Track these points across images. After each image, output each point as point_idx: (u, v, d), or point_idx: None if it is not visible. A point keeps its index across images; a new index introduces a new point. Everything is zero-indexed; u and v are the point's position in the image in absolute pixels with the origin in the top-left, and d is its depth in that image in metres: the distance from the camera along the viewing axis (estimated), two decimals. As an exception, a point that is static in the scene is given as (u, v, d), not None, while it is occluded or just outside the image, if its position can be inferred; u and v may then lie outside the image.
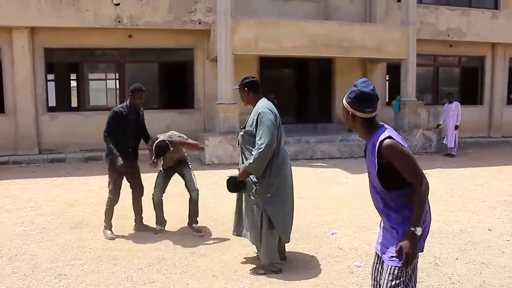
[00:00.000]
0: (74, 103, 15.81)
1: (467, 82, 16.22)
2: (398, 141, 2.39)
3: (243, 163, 4.14)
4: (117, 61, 12.73)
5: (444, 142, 12.33)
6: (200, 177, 8.72)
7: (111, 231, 5.29)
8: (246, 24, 11.29)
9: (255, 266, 4.19)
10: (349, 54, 12.27)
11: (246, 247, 4.63)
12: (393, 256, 2.42)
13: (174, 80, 14.20)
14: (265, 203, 4.01)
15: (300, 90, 14.33)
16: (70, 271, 4.14)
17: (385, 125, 2.51)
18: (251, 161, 3.92)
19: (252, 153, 3.94)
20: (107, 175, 5.44)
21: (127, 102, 5.34)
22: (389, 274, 2.43)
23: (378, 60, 13.70)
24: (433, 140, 12.81)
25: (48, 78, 12.66)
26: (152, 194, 5.58)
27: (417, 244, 2.35)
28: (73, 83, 16.56)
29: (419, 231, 2.32)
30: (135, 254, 4.62)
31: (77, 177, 9.14)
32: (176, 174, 5.67)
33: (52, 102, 13.88)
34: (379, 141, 2.39)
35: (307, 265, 4.31)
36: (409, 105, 12.83)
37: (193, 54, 12.87)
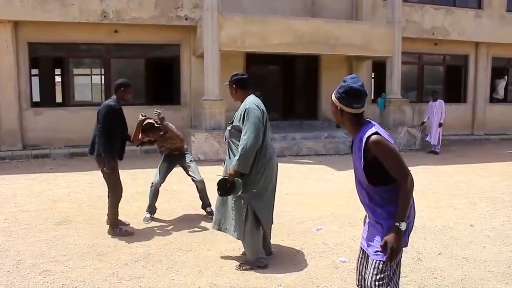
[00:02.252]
0: (59, 99, 15.63)
1: (451, 80, 16.45)
2: (385, 138, 2.44)
3: (229, 157, 4.16)
4: (103, 57, 12.62)
5: (427, 140, 12.49)
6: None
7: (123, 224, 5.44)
8: (233, 20, 11.28)
9: (241, 261, 4.21)
10: (336, 51, 12.33)
11: (232, 243, 4.65)
12: (378, 251, 2.46)
13: (160, 76, 14.13)
14: (251, 198, 4.02)
15: (286, 87, 14.38)
16: (54, 267, 4.12)
17: (372, 122, 2.56)
18: (238, 158, 3.93)
19: (238, 149, 3.96)
20: (105, 172, 5.06)
21: (115, 97, 5.15)
22: (374, 268, 2.48)
23: (364, 57, 13.80)
24: (418, 138, 12.97)
25: (32, 73, 12.50)
26: (152, 182, 5.76)
27: (402, 239, 2.39)
28: (58, 78, 16.37)
29: (403, 226, 2.37)
30: (120, 250, 4.60)
31: (62, 173, 9.06)
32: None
33: (37, 97, 13.71)
34: (366, 137, 2.43)
35: (293, 261, 4.35)
36: (394, 103, 12.97)
37: (179, 50, 12.82)
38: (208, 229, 5.32)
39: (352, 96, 2.48)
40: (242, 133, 3.98)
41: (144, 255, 4.44)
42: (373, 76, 15.77)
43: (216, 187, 4.06)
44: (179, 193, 7.22)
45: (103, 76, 12.97)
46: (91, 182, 8.12)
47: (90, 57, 13.84)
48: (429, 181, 8.25)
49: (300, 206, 6.39)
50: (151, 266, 4.17)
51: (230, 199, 4.15)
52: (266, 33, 11.45)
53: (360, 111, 2.52)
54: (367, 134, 2.43)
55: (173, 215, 5.97)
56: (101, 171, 5.09)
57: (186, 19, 12.15)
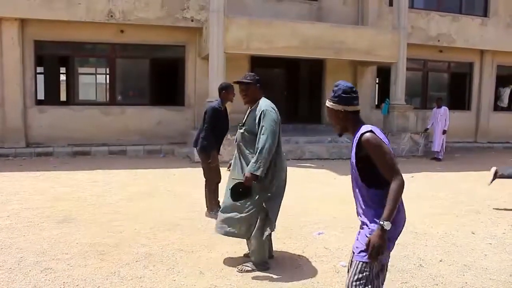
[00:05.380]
0: (63, 97, 15.69)
1: (456, 88, 16.44)
2: (379, 137, 2.46)
3: (240, 161, 4.13)
4: (108, 56, 12.67)
5: (432, 150, 12.48)
6: (189, 174, 8.77)
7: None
8: (238, 23, 11.31)
9: (243, 263, 4.21)
10: (340, 56, 12.35)
11: (234, 245, 4.66)
12: (361, 251, 2.48)
13: (165, 77, 14.17)
14: (266, 200, 4.01)
15: (290, 91, 14.39)
16: (56, 265, 4.12)
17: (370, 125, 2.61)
18: (256, 161, 3.88)
19: (255, 152, 3.93)
20: (206, 163, 5.85)
21: (220, 99, 5.79)
22: (355, 267, 2.51)
23: (369, 63, 13.82)
24: (421, 144, 12.94)
25: (38, 71, 12.54)
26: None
27: (385, 238, 2.38)
28: (63, 77, 16.42)
29: (387, 225, 2.36)
30: (122, 249, 4.61)
31: (65, 171, 9.08)
32: None
33: (41, 95, 13.76)
34: (360, 134, 2.49)
35: (294, 264, 4.35)
36: (398, 109, 12.96)
37: (184, 51, 12.86)
38: (210, 231, 5.33)
39: (350, 94, 2.60)
40: (259, 136, 3.96)
41: (146, 255, 4.45)
42: (377, 81, 15.77)
43: (229, 192, 3.96)
44: (182, 194, 7.22)
45: (107, 76, 13.02)
46: (94, 180, 8.14)
47: (96, 56, 13.91)
48: (431, 188, 8.24)
49: (302, 210, 6.38)
50: (152, 266, 4.18)
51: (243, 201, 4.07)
52: (272, 37, 11.46)
53: (359, 108, 2.64)
54: (361, 131, 2.50)
55: (174, 216, 5.97)
56: (201, 162, 5.95)
57: (192, 20, 12.19)
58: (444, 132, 12.24)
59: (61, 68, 16.08)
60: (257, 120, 4.03)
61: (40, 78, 13.81)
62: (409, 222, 5.89)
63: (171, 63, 13.64)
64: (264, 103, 4.12)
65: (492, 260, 4.58)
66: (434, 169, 10.66)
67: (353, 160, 2.54)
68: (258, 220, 4.04)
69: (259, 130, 3.98)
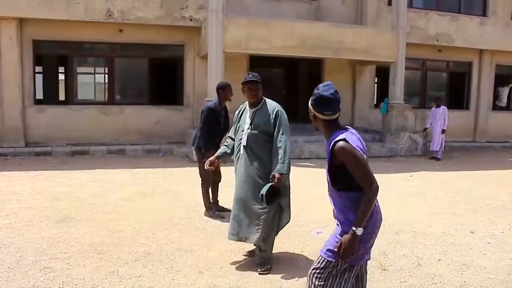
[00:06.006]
0: (62, 97, 15.68)
1: (454, 87, 16.44)
2: (352, 145, 2.47)
3: (248, 162, 4.08)
4: (107, 56, 12.66)
5: (430, 149, 12.50)
6: (188, 173, 8.77)
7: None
8: (237, 22, 11.30)
9: (258, 266, 4.14)
10: (339, 55, 12.34)
11: (233, 244, 4.65)
12: (328, 249, 2.55)
13: (163, 76, 14.16)
14: (282, 197, 4.09)
15: (289, 90, 14.40)
16: (55, 265, 4.13)
17: (350, 129, 2.63)
18: (283, 161, 3.89)
19: (279, 152, 3.93)
20: (202, 163, 5.66)
21: (217, 99, 5.80)
22: (318, 262, 2.59)
23: (368, 62, 13.82)
24: (420, 143, 12.95)
25: (36, 71, 12.53)
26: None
27: (355, 243, 2.42)
28: (61, 76, 16.42)
29: (359, 231, 2.41)
30: (121, 248, 4.61)
31: (63, 171, 9.07)
32: None
33: (40, 95, 13.75)
34: (333, 142, 2.51)
35: (293, 263, 4.35)
36: (397, 108, 12.97)
37: (183, 51, 12.84)
38: (209, 230, 5.34)
39: (322, 103, 2.58)
40: (279, 136, 3.97)
41: (145, 254, 4.45)
42: (376, 81, 15.77)
43: (262, 197, 3.79)
44: (180, 193, 7.22)
45: (106, 75, 13.01)
46: (92, 180, 8.14)
47: (94, 56, 13.90)
48: (430, 187, 8.24)
49: (301, 209, 6.38)
50: (151, 265, 4.18)
51: (256, 203, 4.02)
52: (270, 36, 11.46)
53: (332, 118, 2.60)
54: (334, 140, 2.51)
55: (173, 215, 5.97)
56: (198, 161, 5.97)
57: (191, 20, 12.18)
58: (443, 131, 12.26)
59: (60, 68, 16.08)
60: (272, 120, 4.03)
61: (39, 78, 13.81)
62: (407, 221, 5.95)
63: (170, 63, 13.64)
64: (273, 103, 4.17)
65: (491, 259, 4.59)
66: (433, 168, 10.68)
67: (327, 166, 2.58)
68: (276, 218, 4.13)
69: (276, 130, 4.00)
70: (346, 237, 2.43)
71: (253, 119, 4.12)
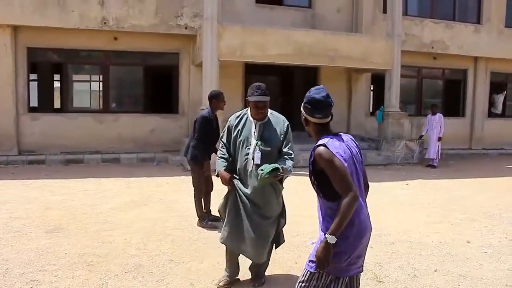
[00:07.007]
0: (57, 104, 15.58)
1: (450, 94, 16.46)
2: (331, 151, 2.42)
3: (254, 178, 3.70)
4: (102, 63, 12.60)
5: (426, 157, 12.47)
6: (182, 183, 8.69)
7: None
8: (232, 30, 11.27)
9: (254, 281, 4.06)
10: (335, 63, 12.33)
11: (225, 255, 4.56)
12: (310, 261, 2.54)
13: (158, 84, 14.11)
14: (282, 212, 4.06)
15: (285, 98, 14.33)
16: (43, 277, 4.03)
17: (341, 135, 2.58)
18: (290, 167, 3.75)
19: (289, 158, 3.79)
20: (196, 172, 5.88)
21: (210, 108, 5.78)
22: (303, 274, 2.57)
23: (363, 70, 13.81)
24: (416, 151, 12.91)
25: (31, 78, 12.45)
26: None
27: (328, 251, 2.38)
28: (57, 84, 16.33)
29: (330, 239, 2.36)
30: (111, 260, 4.52)
31: (56, 179, 8.96)
32: None
33: (34, 103, 13.66)
34: (314, 147, 2.49)
35: (287, 275, 4.28)
36: (393, 116, 12.94)
37: (178, 59, 12.80)
38: (201, 241, 5.25)
39: (314, 106, 2.54)
40: (289, 145, 3.80)
41: (135, 266, 4.36)
42: (372, 88, 15.77)
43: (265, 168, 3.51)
44: (174, 203, 7.14)
45: (101, 83, 12.94)
46: (85, 189, 8.04)
47: (89, 63, 13.82)
48: (426, 195, 8.19)
49: (295, 219, 6.29)
50: (141, 277, 4.09)
51: (261, 220, 3.82)
52: (265, 44, 11.43)
53: (324, 121, 2.56)
54: (316, 145, 2.49)
55: (166, 225, 5.88)
56: (191, 171, 5.95)
57: (186, 28, 12.15)
58: (439, 139, 12.24)
59: (55, 75, 16.00)
60: (283, 134, 3.80)
61: (34, 85, 13.72)
62: (403, 230, 5.88)
63: (165, 71, 13.59)
64: (278, 114, 3.92)
65: (488, 269, 4.52)
66: (429, 176, 10.62)
67: (309, 171, 2.56)
68: (274, 233, 4.00)
69: (285, 143, 3.80)
70: (320, 246, 2.41)
71: (262, 133, 3.76)
